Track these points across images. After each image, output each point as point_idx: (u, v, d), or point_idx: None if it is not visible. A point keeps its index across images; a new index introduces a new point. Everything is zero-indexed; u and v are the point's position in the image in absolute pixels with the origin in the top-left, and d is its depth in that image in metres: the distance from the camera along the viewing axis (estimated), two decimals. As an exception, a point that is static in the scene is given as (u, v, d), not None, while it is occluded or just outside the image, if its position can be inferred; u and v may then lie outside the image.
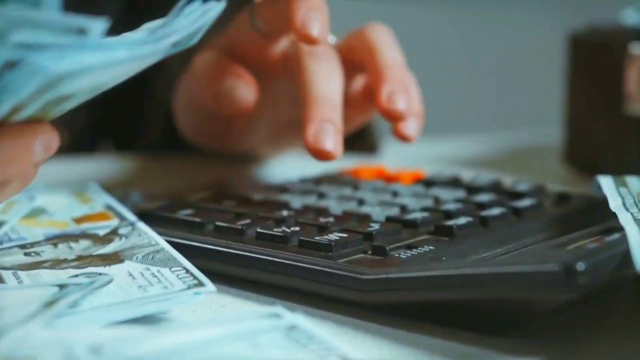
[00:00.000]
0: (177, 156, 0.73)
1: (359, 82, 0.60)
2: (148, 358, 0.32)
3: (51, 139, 0.36)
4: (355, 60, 0.56)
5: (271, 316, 0.35)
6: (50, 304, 0.36)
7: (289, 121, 0.60)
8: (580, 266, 0.34)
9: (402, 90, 0.53)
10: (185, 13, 0.36)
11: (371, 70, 0.54)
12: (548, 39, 1.50)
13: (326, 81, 0.52)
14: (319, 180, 0.56)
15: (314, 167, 0.61)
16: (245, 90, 0.55)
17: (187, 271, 0.40)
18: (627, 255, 0.35)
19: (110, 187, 0.64)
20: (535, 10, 1.98)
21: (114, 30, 0.33)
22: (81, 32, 0.31)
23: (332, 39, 0.57)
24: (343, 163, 0.66)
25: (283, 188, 0.54)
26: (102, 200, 0.51)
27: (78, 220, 0.48)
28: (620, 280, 0.39)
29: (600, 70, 0.67)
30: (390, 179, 0.56)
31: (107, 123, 0.79)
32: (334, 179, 0.56)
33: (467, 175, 0.57)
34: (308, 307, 0.41)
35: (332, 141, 0.50)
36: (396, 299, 0.39)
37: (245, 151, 0.67)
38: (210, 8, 0.37)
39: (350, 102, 0.59)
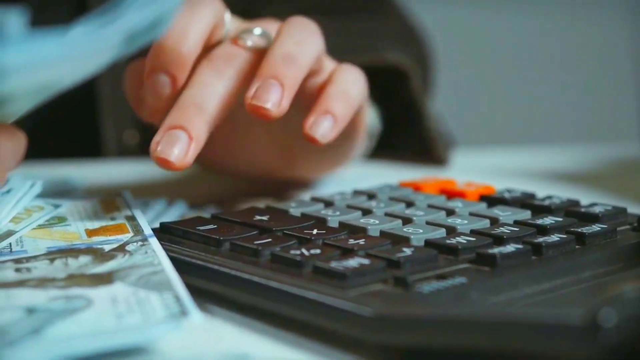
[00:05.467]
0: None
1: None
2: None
3: (2, 145, 0.32)
4: None
5: (238, 358, 0.30)
6: (1, 331, 0.32)
7: (295, 137, 0.55)
8: (606, 321, 0.28)
9: (274, 86, 0.46)
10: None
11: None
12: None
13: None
14: (373, 193, 0.50)
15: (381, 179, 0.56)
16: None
17: (177, 298, 0.36)
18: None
19: (174, 190, 0.60)
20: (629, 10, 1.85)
21: None
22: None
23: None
24: (415, 173, 0.61)
25: (328, 202, 0.48)
26: (127, 210, 0.47)
27: (91, 233, 0.44)
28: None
29: None
30: (455, 194, 0.50)
31: None
32: (391, 192, 0.50)
33: (546, 192, 0.50)
34: (319, 342, 0.36)
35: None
36: (400, 341, 0.33)
37: (248, 172, 0.61)
38: None
39: None
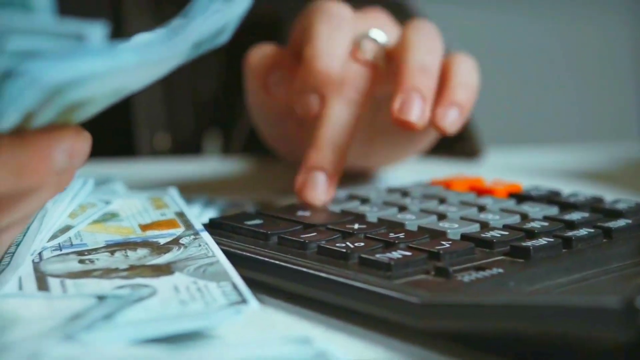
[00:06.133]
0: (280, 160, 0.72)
1: None
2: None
3: (75, 145, 0.35)
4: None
5: (301, 342, 0.33)
6: (76, 317, 0.35)
7: (376, 130, 0.58)
8: (641, 303, 0.30)
9: (417, 99, 0.50)
10: (201, 9, 0.33)
11: (397, 74, 0.52)
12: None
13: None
14: (407, 191, 0.53)
15: (411, 176, 0.59)
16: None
17: (234, 287, 0.39)
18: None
19: (207, 189, 0.63)
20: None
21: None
22: (79, 37, 0.29)
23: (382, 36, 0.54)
24: (444, 170, 0.64)
25: (364, 199, 0.51)
26: (175, 206, 0.50)
27: (144, 227, 0.47)
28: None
29: None
30: (483, 191, 0.53)
31: (213, 125, 0.79)
32: (423, 190, 0.53)
33: (568, 189, 0.53)
34: (366, 329, 0.39)
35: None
36: (451, 327, 0.36)
37: None
38: (234, 3, 0.34)
39: None
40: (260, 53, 0.57)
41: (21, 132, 0.33)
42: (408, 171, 0.67)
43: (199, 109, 0.80)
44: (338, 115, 0.51)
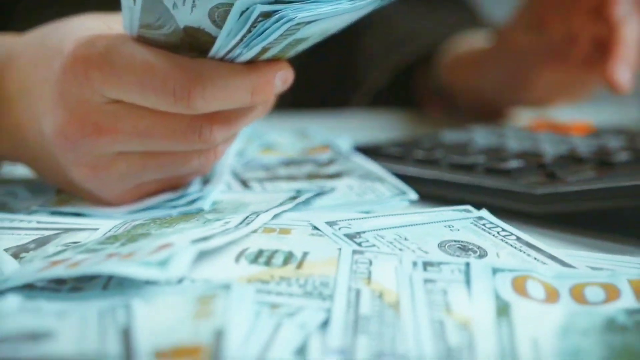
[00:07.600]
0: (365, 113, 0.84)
1: None
2: (370, 231, 0.42)
3: (287, 74, 0.47)
4: None
5: (463, 210, 0.45)
6: (292, 199, 0.47)
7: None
8: None
9: (628, 70, 0.66)
10: None
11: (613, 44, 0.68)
12: None
13: (630, 28, 0.67)
14: (500, 129, 0.65)
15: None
16: None
17: (394, 186, 0.51)
18: None
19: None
20: None
21: None
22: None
23: None
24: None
25: (469, 131, 0.63)
26: (320, 138, 0.62)
27: (303, 152, 0.59)
28: None
29: None
30: (562, 129, 0.65)
31: (317, 82, 0.91)
32: (513, 127, 0.65)
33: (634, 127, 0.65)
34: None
35: (627, 78, 0.65)
36: (563, 209, 0.48)
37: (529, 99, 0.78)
38: None
39: None
40: None
41: (252, 62, 0.46)
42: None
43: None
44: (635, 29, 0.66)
